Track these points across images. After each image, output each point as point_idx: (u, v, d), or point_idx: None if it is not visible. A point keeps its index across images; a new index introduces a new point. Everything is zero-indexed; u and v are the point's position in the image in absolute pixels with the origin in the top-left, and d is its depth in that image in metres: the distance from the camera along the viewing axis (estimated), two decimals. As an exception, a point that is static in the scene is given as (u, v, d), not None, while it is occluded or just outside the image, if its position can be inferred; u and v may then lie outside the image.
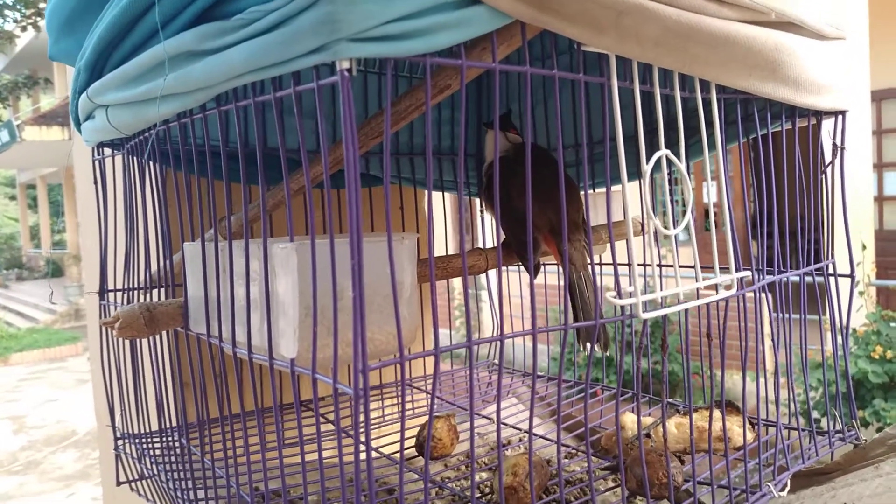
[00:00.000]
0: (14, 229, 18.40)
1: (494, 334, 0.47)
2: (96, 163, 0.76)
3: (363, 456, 0.38)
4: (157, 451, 0.74)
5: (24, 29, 8.84)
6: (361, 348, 0.36)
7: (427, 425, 0.80)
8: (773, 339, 0.68)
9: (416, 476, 0.79)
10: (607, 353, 0.72)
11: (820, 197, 0.74)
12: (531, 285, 0.53)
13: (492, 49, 0.42)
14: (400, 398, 0.79)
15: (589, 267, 0.70)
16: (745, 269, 0.61)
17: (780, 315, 0.69)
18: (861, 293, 4.01)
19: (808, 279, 0.74)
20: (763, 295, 0.65)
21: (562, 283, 0.54)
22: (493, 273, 0.97)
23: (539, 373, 1.11)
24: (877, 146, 5.60)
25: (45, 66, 12.29)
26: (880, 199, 5.70)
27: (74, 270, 13.04)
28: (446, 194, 1.11)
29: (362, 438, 0.37)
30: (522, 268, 1.03)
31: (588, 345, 0.64)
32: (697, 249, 0.57)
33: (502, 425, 0.91)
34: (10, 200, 19.83)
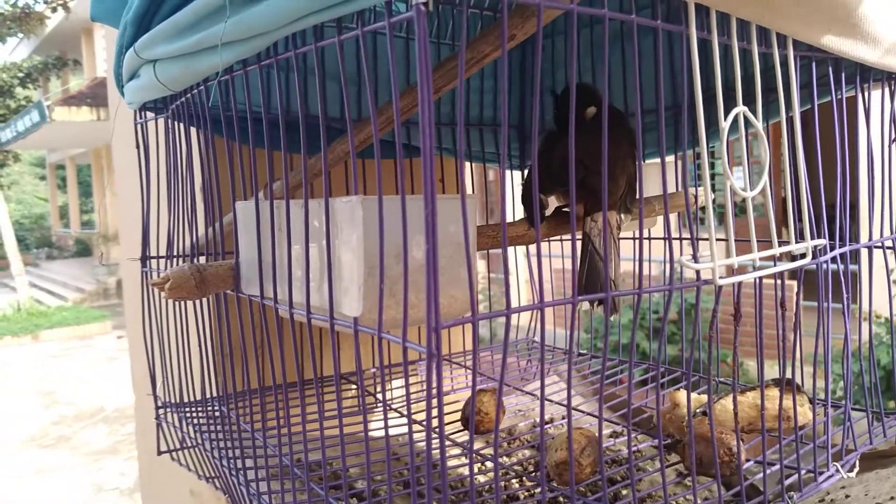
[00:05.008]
0: (44, 209, 18.69)
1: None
2: (138, 126, 0.74)
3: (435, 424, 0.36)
4: (201, 421, 0.73)
5: (53, 10, 8.90)
6: (434, 305, 0.33)
7: (472, 399, 0.78)
8: (843, 312, 0.64)
9: (458, 451, 0.77)
10: (612, 318, 0.69)
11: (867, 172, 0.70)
12: (539, 257, 0.51)
13: (571, -10, 0.39)
14: (471, 360, 0.77)
15: (602, 237, 0.68)
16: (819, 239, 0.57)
17: (847, 294, 0.66)
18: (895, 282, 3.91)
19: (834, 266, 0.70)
20: (833, 266, 0.61)
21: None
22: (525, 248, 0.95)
23: (581, 350, 1.08)
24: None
25: (74, 47, 12.39)
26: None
27: (103, 250, 13.22)
28: (475, 168, 1.08)
29: (435, 404, 0.35)
30: (558, 242, 1.00)
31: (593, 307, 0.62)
32: (774, 218, 0.54)
33: (545, 402, 0.89)
34: (39, 181, 20.13)
